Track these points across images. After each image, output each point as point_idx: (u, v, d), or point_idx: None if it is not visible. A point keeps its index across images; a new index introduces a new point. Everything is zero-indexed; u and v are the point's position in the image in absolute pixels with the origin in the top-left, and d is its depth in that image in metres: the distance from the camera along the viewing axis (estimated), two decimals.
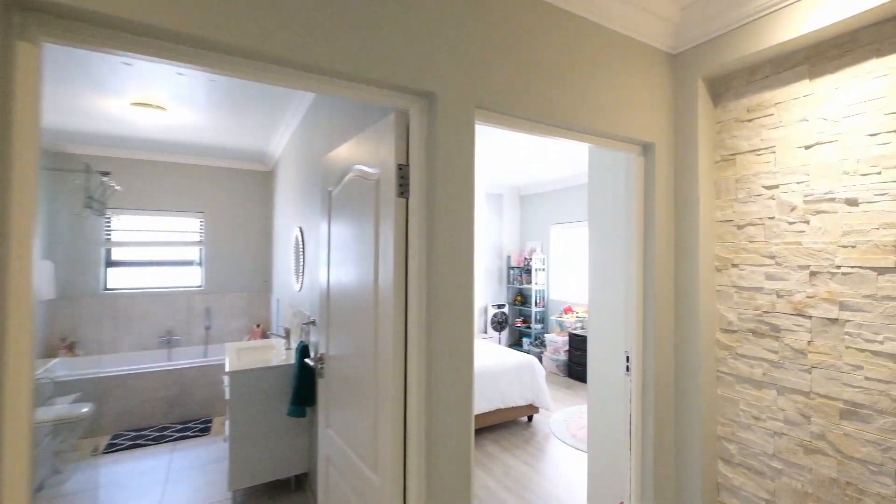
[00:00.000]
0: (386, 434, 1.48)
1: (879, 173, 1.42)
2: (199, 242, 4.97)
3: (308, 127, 3.20)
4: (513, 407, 3.87)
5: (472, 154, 1.45)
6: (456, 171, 1.41)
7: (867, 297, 1.45)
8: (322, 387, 2.15)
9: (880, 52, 1.43)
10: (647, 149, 1.92)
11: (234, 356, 3.13)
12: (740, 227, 1.80)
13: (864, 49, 1.46)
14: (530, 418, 4.16)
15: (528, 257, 6.68)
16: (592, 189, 2.33)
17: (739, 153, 1.81)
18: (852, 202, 1.48)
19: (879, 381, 1.42)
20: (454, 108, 1.41)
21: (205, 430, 3.93)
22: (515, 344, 6.98)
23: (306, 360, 2.17)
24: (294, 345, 3.22)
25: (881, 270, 1.42)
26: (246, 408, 2.73)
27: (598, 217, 2.27)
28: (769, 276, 1.70)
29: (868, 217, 1.45)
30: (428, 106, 1.42)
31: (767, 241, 1.71)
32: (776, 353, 1.68)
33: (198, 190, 4.93)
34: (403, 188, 1.44)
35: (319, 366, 2.15)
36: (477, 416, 3.67)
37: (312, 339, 2.72)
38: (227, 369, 2.75)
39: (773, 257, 1.69)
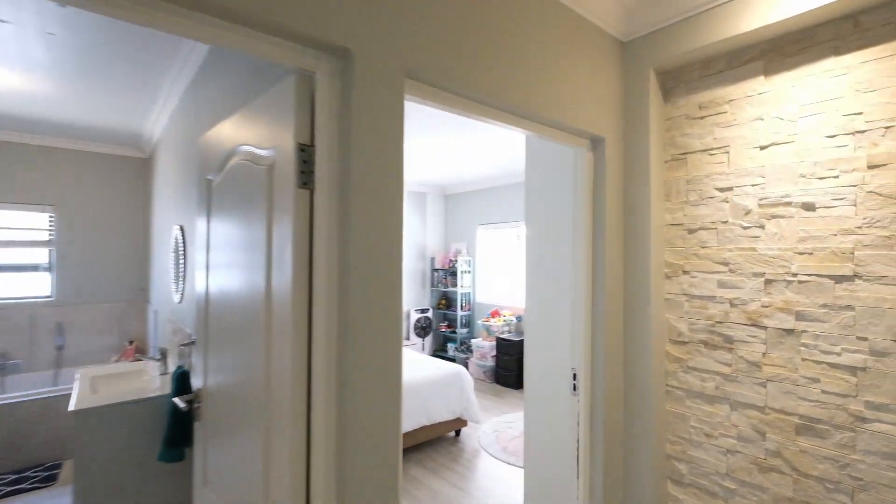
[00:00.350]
0: (282, 497, 1.08)
1: (837, 177, 1.34)
2: (49, 242, 3.95)
3: (191, 102, 2.58)
4: (439, 423, 3.57)
5: (401, 134, 1.10)
6: (379, 157, 1.06)
7: (824, 306, 1.36)
8: (199, 432, 1.65)
9: (838, 51, 1.35)
10: (596, 143, 1.72)
11: (85, 387, 2.41)
12: (691, 232, 1.67)
13: (822, 46, 1.38)
14: (458, 432, 3.89)
15: (453, 259, 6.45)
16: (530, 186, 2.09)
17: (691, 152, 1.68)
18: (809, 206, 1.40)
19: (836, 394, 1.35)
20: (378, 73, 1.05)
21: (49, 479, 3.06)
22: (440, 349, 6.72)
23: (175, 399, 1.65)
24: (172, 369, 2.59)
25: (838, 279, 1.34)
26: (99, 454, 2.07)
27: (536, 217, 2.04)
28: (722, 284, 1.58)
29: (825, 223, 1.36)
30: (341, 68, 1.05)
31: (720, 246, 1.59)
32: (729, 365, 1.56)
33: (46, 178, 3.90)
34: (307, 176, 1.05)
35: (196, 405, 1.65)
36: None
37: (195, 361, 2.15)
38: (71, 406, 2.07)
39: (726, 264, 1.57)
